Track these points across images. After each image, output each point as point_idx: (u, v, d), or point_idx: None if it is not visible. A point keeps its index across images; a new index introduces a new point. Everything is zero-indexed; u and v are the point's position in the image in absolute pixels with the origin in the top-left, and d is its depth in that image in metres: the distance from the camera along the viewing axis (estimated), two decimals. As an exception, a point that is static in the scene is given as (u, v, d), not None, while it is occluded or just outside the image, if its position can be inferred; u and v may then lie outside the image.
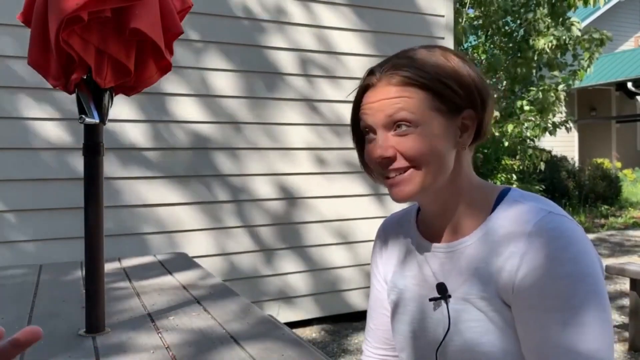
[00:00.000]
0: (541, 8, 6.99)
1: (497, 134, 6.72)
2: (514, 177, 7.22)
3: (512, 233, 0.82)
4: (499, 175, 7.06)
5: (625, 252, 6.49)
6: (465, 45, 7.82)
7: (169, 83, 3.27)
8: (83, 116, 1.32)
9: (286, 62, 3.63)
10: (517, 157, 7.14)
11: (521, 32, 7.39)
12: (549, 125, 6.98)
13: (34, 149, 3.00)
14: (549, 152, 7.62)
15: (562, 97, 6.97)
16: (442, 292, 0.89)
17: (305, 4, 3.67)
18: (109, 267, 1.99)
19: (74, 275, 2.17)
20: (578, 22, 7.05)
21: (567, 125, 7.51)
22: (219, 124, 3.45)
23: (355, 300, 3.87)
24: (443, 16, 4.10)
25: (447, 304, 0.88)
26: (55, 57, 1.27)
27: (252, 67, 3.53)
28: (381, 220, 1.13)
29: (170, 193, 3.33)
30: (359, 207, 3.85)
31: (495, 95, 7.33)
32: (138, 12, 1.25)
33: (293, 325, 3.60)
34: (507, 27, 7.60)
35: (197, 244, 3.37)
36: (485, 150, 7.00)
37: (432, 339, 0.91)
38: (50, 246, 3.01)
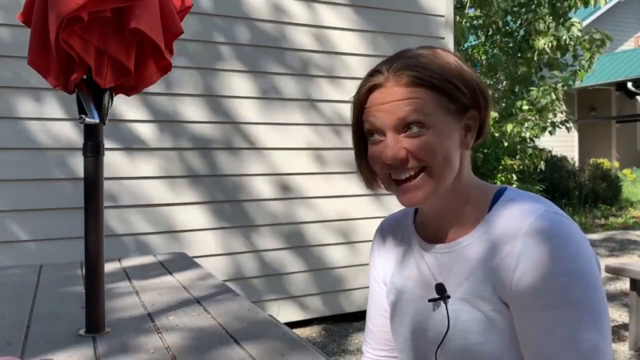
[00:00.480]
0: (542, 8, 6.99)
1: (496, 134, 6.71)
2: (514, 177, 7.21)
3: (508, 232, 0.82)
4: (499, 175, 7.06)
5: (625, 252, 6.49)
6: (466, 45, 7.82)
7: (173, 83, 3.27)
8: (83, 116, 1.32)
9: (287, 62, 3.63)
10: (517, 157, 7.14)
11: (521, 32, 7.39)
12: (548, 125, 6.98)
13: (34, 149, 3.00)
14: (549, 152, 7.62)
15: (561, 97, 6.98)
16: (441, 292, 0.89)
17: (305, 3, 3.67)
18: (109, 267, 1.99)
19: (74, 275, 2.17)
20: (579, 22, 7.04)
21: (567, 125, 7.51)
22: (220, 124, 3.45)
23: (356, 300, 3.87)
24: (443, 16, 4.10)
25: (446, 304, 0.88)
26: (55, 57, 1.27)
27: (252, 68, 3.53)
28: (381, 220, 1.13)
29: (170, 193, 3.33)
30: (360, 207, 3.85)
31: (495, 95, 7.35)
32: (138, 12, 1.25)
33: (293, 325, 3.60)
34: (507, 27, 7.60)
35: (198, 244, 3.37)
36: (485, 150, 7.00)
37: (431, 339, 0.90)
38: (50, 246, 3.01)
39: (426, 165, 0.84)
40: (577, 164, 11.27)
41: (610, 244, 7.03)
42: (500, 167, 7.12)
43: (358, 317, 3.86)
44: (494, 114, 6.57)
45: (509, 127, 6.66)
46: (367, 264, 1.13)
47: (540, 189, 7.95)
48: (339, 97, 3.78)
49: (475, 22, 7.47)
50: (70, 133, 3.07)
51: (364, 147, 0.93)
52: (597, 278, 0.79)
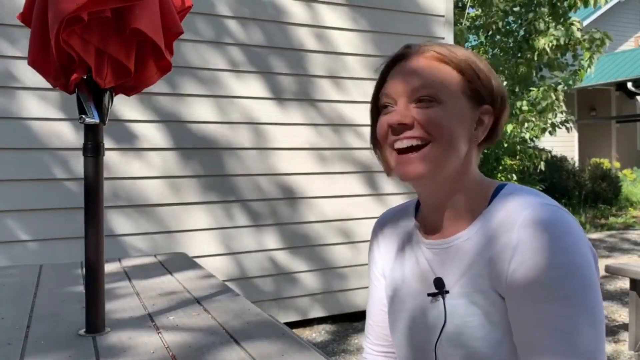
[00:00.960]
0: (542, 8, 6.99)
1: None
2: (514, 177, 7.22)
3: (505, 225, 0.82)
4: (499, 176, 7.06)
5: (626, 252, 6.49)
6: (466, 46, 7.82)
7: (173, 83, 3.27)
8: (83, 116, 1.32)
9: (287, 62, 3.63)
10: (517, 157, 7.14)
11: (521, 32, 7.39)
12: (548, 125, 6.98)
13: (34, 149, 3.01)
14: (549, 152, 7.62)
15: (561, 97, 6.97)
16: (440, 287, 0.88)
17: (305, 3, 3.67)
18: (109, 267, 1.99)
19: (74, 275, 2.17)
20: (579, 22, 7.04)
21: (568, 125, 7.51)
22: (222, 124, 3.45)
23: (356, 300, 3.87)
24: (443, 16, 4.10)
25: (444, 299, 0.88)
26: (55, 57, 1.27)
27: (254, 68, 3.53)
28: (380, 214, 1.13)
29: (170, 193, 3.33)
30: (361, 207, 3.85)
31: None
32: (138, 12, 1.25)
33: (293, 325, 3.60)
34: (507, 27, 7.60)
35: (198, 244, 3.37)
36: (485, 150, 7.00)
37: (429, 334, 0.90)
38: (50, 246, 3.02)
39: (430, 141, 0.83)
40: (577, 164, 11.27)
41: (610, 244, 7.03)
42: (500, 167, 7.13)
43: (358, 317, 3.86)
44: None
45: (509, 127, 6.66)
46: (367, 264, 1.13)
47: (540, 189, 7.94)
48: (340, 97, 3.78)
49: (475, 22, 7.48)
50: (70, 133, 3.07)
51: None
52: (593, 272, 0.78)
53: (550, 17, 6.99)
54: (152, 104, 3.28)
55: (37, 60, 1.33)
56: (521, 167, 7.20)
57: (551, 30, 6.86)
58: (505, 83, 7.50)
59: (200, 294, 1.80)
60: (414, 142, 0.84)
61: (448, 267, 0.89)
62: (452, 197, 0.89)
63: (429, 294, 0.90)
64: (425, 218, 0.96)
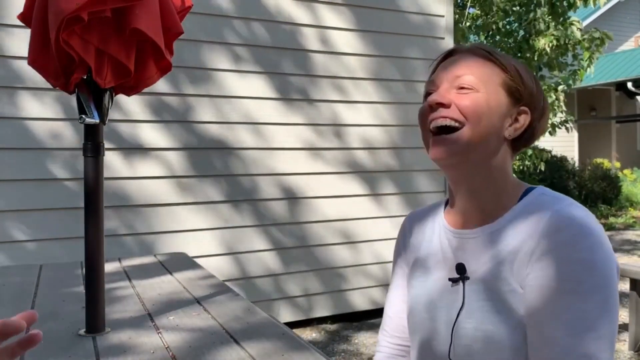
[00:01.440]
0: (541, 8, 6.99)
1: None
2: (514, 177, 7.21)
3: (531, 218, 0.84)
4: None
5: (625, 252, 6.49)
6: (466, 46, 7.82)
7: (174, 83, 3.28)
8: (83, 116, 1.32)
9: (287, 62, 3.63)
10: (517, 157, 7.14)
11: (521, 32, 7.39)
12: (548, 125, 6.97)
13: (34, 149, 3.01)
14: (549, 152, 7.62)
15: (561, 97, 6.98)
16: (461, 272, 0.91)
17: (305, 4, 3.67)
18: (109, 267, 1.99)
19: (74, 275, 2.17)
20: (578, 22, 7.04)
21: (567, 125, 7.51)
22: (222, 124, 3.45)
23: (356, 300, 3.87)
24: (443, 16, 4.10)
25: (464, 284, 0.90)
26: (55, 57, 1.27)
27: (254, 68, 3.53)
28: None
29: (170, 193, 3.33)
30: (361, 207, 3.85)
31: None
32: (138, 12, 1.25)
33: (293, 325, 3.60)
34: (507, 27, 7.60)
35: (198, 244, 3.37)
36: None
37: (446, 319, 0.92)
38: (50, 246, 3.02)
39: (464, 124, 0.86)
40: (577, 164, 11.27)
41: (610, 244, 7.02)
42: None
43: (358, 317, 3.86)
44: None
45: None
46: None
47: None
48: (340, 97, 3.78)
49: (476, 22, 7.48)
50: (70, 133, 3.07)
51: None
52: (613, 275, 0.80)
53: (549, 17, 6.99)
54: (152, 104, 3.28)
55: (37, 60, 1.33)
56: (521, 167, 7.21)
57: (551, 30, 6.86)
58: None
59: (200, 294, 1.80)
60: (448, 122, 0.87)
61: (471, 256, 0.91)
62: (481, 188, 0.92)
63: (450, 279, 0.92)
64: (454, 207, 0.98)
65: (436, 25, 4.08)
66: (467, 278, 0.90)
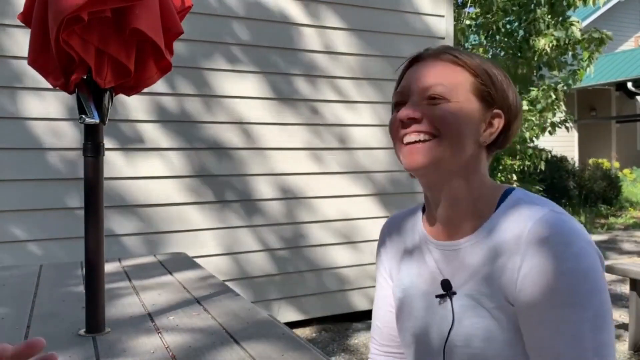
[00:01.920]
0: (541, 7, 6.99)
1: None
2: (514, 177, 7.21)
3: (513, 231, 0.83)
4: (499, 176, 7.06)
5: (625, 252, 6.49)
6: (466, 46, 7.82)
7: (174, 83, 3.27)
8: (83, 116, 1.32)
9: (287, 62, 3.63)
10: (517, 157, 7.14)
11: (521, 32, 7.39)
12: (548, 125, 6.98)
13: (34, 149, 3.01)
14: (549, 152, 7.62)
15: (561, 97, 6.98)
16: (447, 288, 0.89)
17: (305, 4, 3.67)
18: (109, 267, 1.99)
19: (74, 275, 2.17)
20: (578, 22, 7.04)
21: (567, 125, 7.50)
22: (222, 124, 3.46)
23: (356, 300, 3.87)
24: (443, 16, 4.10)
25: (451, 300, 0.89)
26: (55, 57, 1.27)
27: (254, 68, 3.53)
28: (383, 220, 1.13)
29: (170, 193, 3.33)
30: (360, 207, 3.85)
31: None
32: (138, 12, 1.25)
33: (293, 325, 3.60)
34: (507, 27, 7.60)
35: (198, 244, 3.37)
36: (486, 151, 6.98)
37: (437, 335, 0.91)
38: (50, 246, 3.02)
39: (437, 135, 0.85)
40: (577, 164, 11.26)
41: (610, 244, 7.03)
42: (500, 167, 7.13)
43: (358, 317, 3.86)
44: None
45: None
46: (368, 264, 1.14)
47: (540, 189, 7.95)
48: (339, 97, 3.78)
49: (476, 21, 7.48)
50: (70, 133, 3.07)
51: None
52: (602, 277, 0.79)
53: (549, 17, 6.99)
54: (152, 104, 3.28)
55: (37, 60, 1.33)
56: (521, 167, 7.20)
57: (551, 30, 6.86)
58: (505, 83, 7.49)
59: (200, 294, 1.80)
60: (422, 137, 0.86)
61: (456, 269, 0.90)
62: (459, 199, 0.90)
63: (436, 296, 0.91)
64: (433, 219, 0.96)
65: (436, 26, 4.08)
66: (454, 293, 0.89)
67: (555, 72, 7.29)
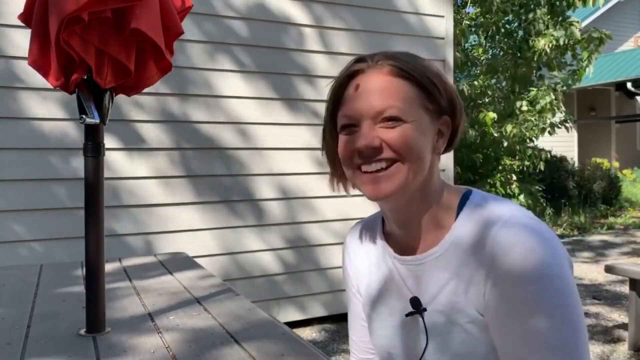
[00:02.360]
0: (541, 7, 7.00)
1: (496, 134, 6.71)
2: (514, 177, 7.22)
3: (476, 241, 0.81)
4: (499, 176, 7.06)
5: (625, 252, 6.49)
6: (466, 46, 7.82)
7: (172, 83, 3.27)
8: (83, 116, 1.32)
9: (287, 62, 3.63)
10: (517, 157, 7.14)
11: (521, 32, 7.40)
12: (548, 125, 6.98)
13: (34, 149, 3.00)
14: (549, 152, 7.62)
15: (560, 97, 6.98)
16: (417, 306, 0.87)
17: (305, 4, 3.67)
18: (109, 267, 1.99)
19: (74, 275, 2.17)
20: (578, 22, 7.05)
21: (567, 125, 7.51)
22: (222, 125, 3.46)
23: (355, 300, 3.87)
24: (443, 16, 4.10)
25: (423, 318, 0.87)
26: (55, 57, 1.27)
27: (253, 68, 3.53)
28: (350, 228, 1.13)
29: (171, 193, 3.33)
30: (360, 207, 3.85)
31: (496, 95, 7.32)
32: (138, 12, 1.25)
33: (293, 325, 3.60)
34: (507, 27, 7.60)
35: (198, 244, 3.37)
36: (485, 150, 7.00)
37: (411, 352, 0.90)
38: (50, 246, 3.02)
39: (399, 160, 0.82)
40: (576, 164, 11.27)
41: (610, 244, 7.03)
42: (500, 167, 7.12)
43: (358, 317, 3.85)
44: (492, 114, 6.57)
45: (509, 127, 6.66)
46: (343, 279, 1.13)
47: (540, 189, 7.95)
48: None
49: (475, 21, 7.48)
50: (70, 133, 3.07)
51: (337, 145, 0.89)
52: (569, 280, 0.77)
53: (548, 17, 6.99)
54: (152, 104, 3.28)
55: (37, 61, 1.33)
56: (521, 167, 7.21)
57: (551, 30, 6.86)
58: (505, 83, 7.51)
59: (200, 294, 1.80)
60: (383, 165, 0.82)
61: (423, 284, 0.88)
62: (419, 212, 0.87)
63: (407, 315, 0.89)
64: (395, 234, 0.94)
65: (436, 26, 4.08)
66: (424, 310, 0.87)
67: (555, 73, 7.30)
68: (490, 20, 7.29)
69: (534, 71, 7.38)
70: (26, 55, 1.34)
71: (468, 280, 0.81)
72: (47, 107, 3.03)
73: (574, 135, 13.50)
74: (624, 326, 3.72)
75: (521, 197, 7.26)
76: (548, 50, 6.82)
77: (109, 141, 2.77)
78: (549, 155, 7.50)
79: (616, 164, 13.50)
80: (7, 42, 2.94)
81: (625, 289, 4.63)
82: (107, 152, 1.48)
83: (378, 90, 0.82)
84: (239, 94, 3.50)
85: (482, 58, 7.75)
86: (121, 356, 1.25)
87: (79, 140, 3.01)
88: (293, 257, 3.68)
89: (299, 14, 3.66)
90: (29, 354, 1.27)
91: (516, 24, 7.54)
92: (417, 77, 0.83)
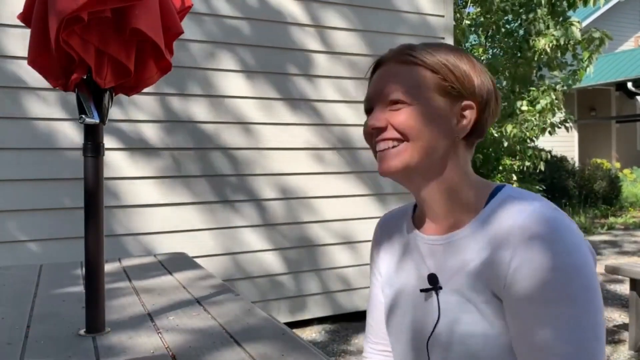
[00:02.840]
0: (541, 7, 6.99)
1: (496, 134, 6.72)
2: (514, 177, 7.21)
3: (504, 225, 0.82)
4: (499, 176, 7.06)
5: (625, 252, 6.49)
6: (466, 46, 7.82)
7: (173, 83, 3.27)
8: (83, 116, 1.32)
9: (287, 62, 3.63)
10: (517, 157, 7.14)
11: (521, 32, 7.40)
12: (548, 125, 6.98)
13: (34, 149, 3.01)
14: (549, 152, 7.62)
15: (560, 97, 6.98)
16: (433, 283, 0.89)
17: (305, 3, 3.67)
18: (109, 267, 1.99)
19: (74, 275, 2.17)
20: (578, 22, 7.04)
21: (567, 125, 7.51)
22: (222, 124, 3.46)
23: (356, 300, 3.87)
24: (443, 16, 4.10)
25: (437, 295, 0.88)
26: (55, 57, 1.27)
27: (254, 68, 3.53)
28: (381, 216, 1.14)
29: (171, 193, 3.33)
30: (360, 207, 3.85)
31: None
32: (138, 12, 1.25)
33: (293, 325, 3.60)
34: (507, 27, 7.60)
35: (198, 244, 3.37)
36: (485, 150, 7.00)
37: (423, 330, 0.91)
38: (50, 246, 3.02)
39: (405, 139, 0.86)
40: (577, 164, 11.27)
41: (610, 244, 7.03)
42: (500, 167, 7.12)
43: (358, 317, 3.86)
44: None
45: (509, 127, 6.66)
46: (368, 264, 1.15)
47: (540, 189, 7.95)
48: (339, 97, 3.78)
49: (475, 21, 7.48)
50: (70, 133, 3.07)
51: None
52: (594, 274, 0.79)
53: (549, 17, 6.99)
54: (152, 104, 3.28)
55: (37, 61, 1.33)
56: (521, 167, 7.21)
57: (551, 30, 6.86)
58: (505, 83, 7.50)
59: (200, 294, 1.80)
60: (390, 144, 0.87)
61: (443, 264, 0.90)
62: (440, 194, 0.90)
63: (421, 290, 0.91)
64: (422, 215, 0.97)
65: (436, 25, 4.08)
66: (440, 288, 0.88)
67: (556, 73, 7.29)
68: (490, 20, 7.29)
69: (534, 71, 7.38)
70: (26, 55, 1.34)
71: (490, 262, 0.82)
72: (47, 107, 3.03)
73: (574, 135, 13.50)
74: (624, 326, 3.72)
75: (521, 197, 7.23)
76: (548, 50, 6.81)
77: (108, 141, 2.77)
78: (549, 156, 7.50)
79: (616, 164, 13.50)
80: (7, 42, 2.94)
81: (625, 289, 4.62)
82: (106, 152, 1.48)
83: (386, 76, 0.89)
84: (240, 93, 3.50)
85: (482, 58, 7.74)
86: (121, 356, 1.25)
87: (79, 140, 3.01)
88: (293, 257, 3.68)
89: (300, 14, 3.66)
90: (29, 354, 1.27)
91: (516, 24, 7.54)
92: (428, 62, 0.87)
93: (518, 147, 7.03)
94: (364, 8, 3.84)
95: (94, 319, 1.41)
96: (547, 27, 6.91)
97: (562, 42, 6.80)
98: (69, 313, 1.60)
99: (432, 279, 0.89)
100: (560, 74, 7.33)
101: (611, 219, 8.90)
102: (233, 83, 3.49)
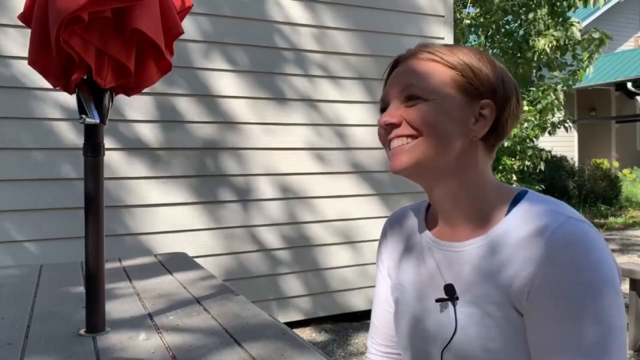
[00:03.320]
0: (541, 8, 7.00)
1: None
2: (514, 177, 7.22)
3: (528, 238, 0.79)
4: (499, 176, 7.07)
5: (625, 252, 6.49)
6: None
7: (172, 83, 3.27)
8: (83, 116, 1.32)
9: (287, 62, 3.63)
10: (517, 157, 7.14)
11: (521, 32, 7.40)
12: (548, 125, 6.99)
13: (34, 149, 3.01)
14: (549, 152, 7.63)
15: (560, 97, 6.98)
16: (450, 293, 0.85)
17: (305, 3, 3.67)
18: (109, 267, 1.99)
19: (74, 275, 2.17)
20: (578, 22, 7.05)
21: (567, 125, 7.51)
22: (222, 124, 3.46)
23: (356, 300, 3.87)
24: (443, 16, 4.10)
25: (454, 306, 0.85)
26: (55, 57, 1.27)
27: (254, 68, 3.53)
28: (383, 221, 1.12)
29: (171, 193, 3.33)
30: (361, 207, 3.85)
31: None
32: (138, 12, 1.25)
33: (293, 325, 3.60)
34: (507, 27, 7.61)
35: (198, 244, 3.37)
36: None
37: (436, 341, 0.88)
38: (50, 246, 3.02)
39: (419, 136, 0.84)
40: (576, 164, 11.27)
41: (610, 244, 7.03)
42: (500, 167, 7.13)
43: (358, 317, 3.86)
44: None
45: (509, 127, 6.66)
46: (368, 264, 1.14)
47: (540, 189, 7.95)
48: (339, 97, 3.78)
49: (475, 21, 7.48)
50: (70, 133, 3.07)
51: None
52: (619, 290, 0.76)
53: (549, 17, 6.99)
54: (152, 104, 3.27)
55: (37, 61, 1.33)
56: (521, 167, 7.21)
57: (551, 30, 6.86)
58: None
59: (200, 294, 1.80)
60: (404, 141, 0.85)
61: (459, 272, 0.86)
62: (462, 198, 0.87)
63: (437, 300, 0.87)
64: (436, 217, 0.93)
65: (436, 25, 4.08)
66: (457, 299, 0.85)
67: (556, 73, 7.30)
68: (490, 20, 7.30)
69: (534, 71, 7.38)
70: (26, 56, 1.34)
71: (512, 276, 0.79)
72: (47, 107, 3.03)
73: (574, 135, 13.50)
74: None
75: (521, 197, 7.25)
76: (548, 50, 6.82)
77: (108, 141, 2.77)
78: (549, 155, 7.50)
79: (616, 164, 13.50)
80: (7, 42, 2.94)
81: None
82: (107, 152, 1.48)
83: (402, 73, 0.88)
84: (241, 93, 3.50)
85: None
86: (121, 356, 1.25)
87: (79, 140, 3.01)
88: (293, 256, 3.68)
89: (297, 13, 3.66)
90: (29, 353, 1.27)
91: (516, 24, 7.54)
92: (448, 60, 0.85)
93: (518, 147, 7.03)
94: (362, 8, 3.84)
95: (94, 319, 1.41)
96: (547, 28, 6.91)
97: (562, 43, 6.81)
98: (69, 313, 1.60)
99: (449, 289, 0.85)
100: (560, 74, 7.33)
101: (611, 219, 8.91)
102: (233, 83, 3.49)
